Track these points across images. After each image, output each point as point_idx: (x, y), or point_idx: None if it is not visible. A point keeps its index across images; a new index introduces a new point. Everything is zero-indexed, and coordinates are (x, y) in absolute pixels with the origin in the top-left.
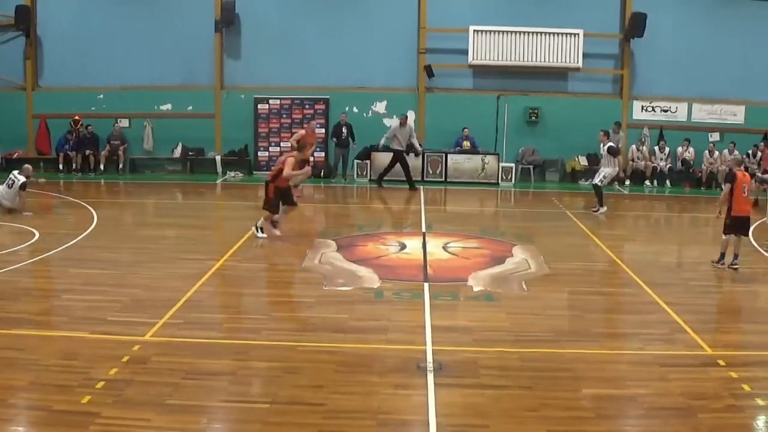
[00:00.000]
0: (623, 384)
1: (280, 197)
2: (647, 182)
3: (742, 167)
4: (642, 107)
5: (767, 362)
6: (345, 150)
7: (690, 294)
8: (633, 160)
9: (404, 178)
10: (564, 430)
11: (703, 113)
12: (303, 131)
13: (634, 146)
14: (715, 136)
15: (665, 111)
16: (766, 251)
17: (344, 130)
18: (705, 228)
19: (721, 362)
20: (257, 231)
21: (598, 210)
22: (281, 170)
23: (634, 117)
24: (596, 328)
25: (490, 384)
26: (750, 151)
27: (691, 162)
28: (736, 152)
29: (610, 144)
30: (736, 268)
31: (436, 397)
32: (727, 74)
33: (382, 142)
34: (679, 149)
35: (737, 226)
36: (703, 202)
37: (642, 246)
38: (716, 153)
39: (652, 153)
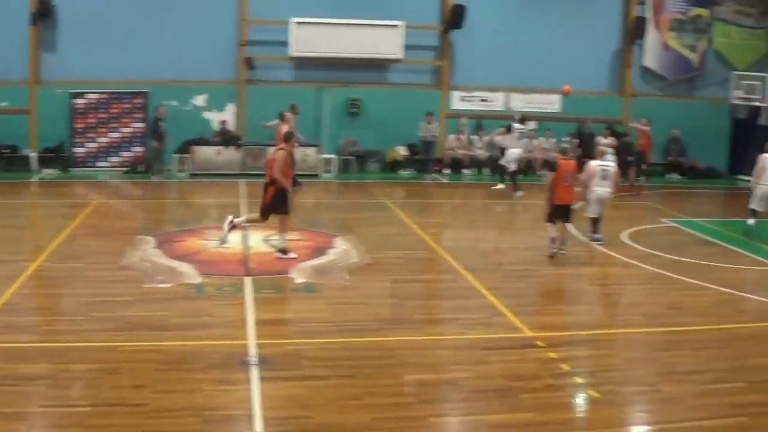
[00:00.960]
0: (444, 369)
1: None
2: (465, 170)
3: (569, 155)
4: (461, 97)
5: (584, 341)
6: (162, 144)
7: (508, 278)
8: (452, 149)
9: (227, 172)
10: (388, 417)
11: (520, 102)
12: (287, 120)
13: (452, 135)
14: (531, 125)
15: (483, 101)
16: (583, 236)
17: (162, 124)
18: (522, 214)
19: (540, 343)
20: (281, 254)
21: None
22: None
23: (453, 107)
24: (417, 314)
25: (313, 375)
26: (566, 139)
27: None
28: (553, 140)
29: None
30: (563, 253)
31: (260, 391)
32: (543, 64)
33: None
34: (497, 137)
35: (558, 213)
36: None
37: (460, 233)
38: (534, 141)
39: (470, 142)
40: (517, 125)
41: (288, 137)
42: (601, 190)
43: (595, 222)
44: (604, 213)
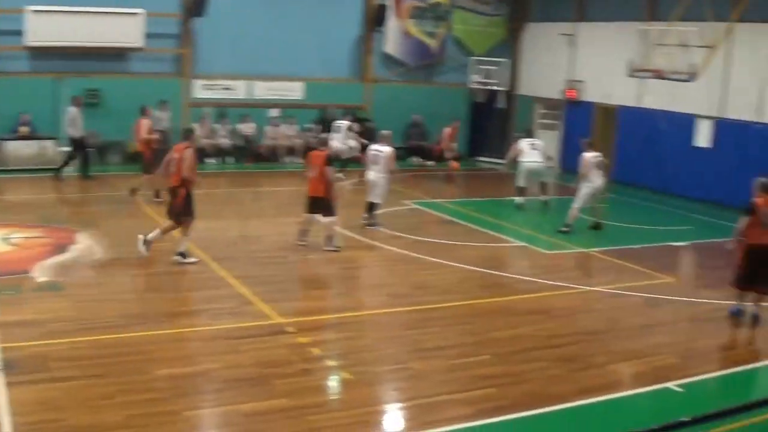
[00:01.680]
0: (196, 361)
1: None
2: (209, 159)
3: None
4: (203, 86)
5: (334, 325)
6: None
7: (256, 266)
8: None
9: None
10: (142, 413)
11: (263, 90)
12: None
13: (195, 124)
14: (275, 112)
15: (226, 89)
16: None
17: None
18: (266, 202)
19: (290, 329)
20: (181, 257)
21: None
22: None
23: (196, 96)
24: (166, 308)
25: (62, 376)
26: (310, 126)
27: (253, 138)
28: (296, 126)
29: None
30: (303, 245)
31: (7, 397)
32: (286, 52)
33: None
34: (240, 125)
35: (309, 205)
36: (265, 176)
37: (207, 222)
38: (278, 128)
39: (213, 130)
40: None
41: (190, 133)
42: (373, 174)
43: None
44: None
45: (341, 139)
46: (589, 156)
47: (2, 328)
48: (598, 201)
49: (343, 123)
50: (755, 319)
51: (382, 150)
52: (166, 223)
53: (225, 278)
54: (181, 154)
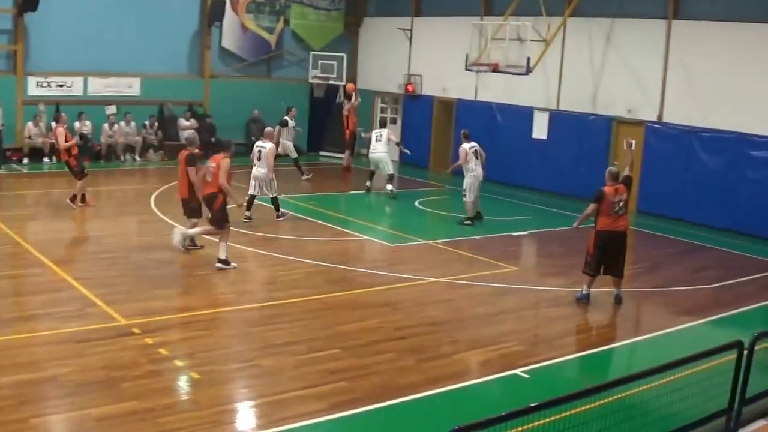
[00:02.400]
0: (41, 366)
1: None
2: (46, 159)
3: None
4: (37, 83)
5: (180, 324)
6: None
7: (98, 268)
8: (30, 137)
9: None
10: None
11: (99, 86)
12: None
13: (30, 123)
14: (111, 109)
15: (61, 86)
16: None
17: None
18: (106, 201)
19: (136, 330)
20: (223, 264)
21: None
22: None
23: (30, 93)
24: (6, 313)
25: None
26: (146, 122)
27: (90, 136)
28: (133, 124)
29: None
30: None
31: None
32: (123, 48)
33: None
34: (77, 123)
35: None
36: (104, 175)
37: (45, 224)
38: (115, 126)
39: (49, 129)
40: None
41: (227, 144)
42: (256, 170)
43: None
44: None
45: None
46: (467, 146)
47: None
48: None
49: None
50: (617, 300)
51: (265, 146)
52: (208, 228)
53: (66, 281)
54: (218, 163)
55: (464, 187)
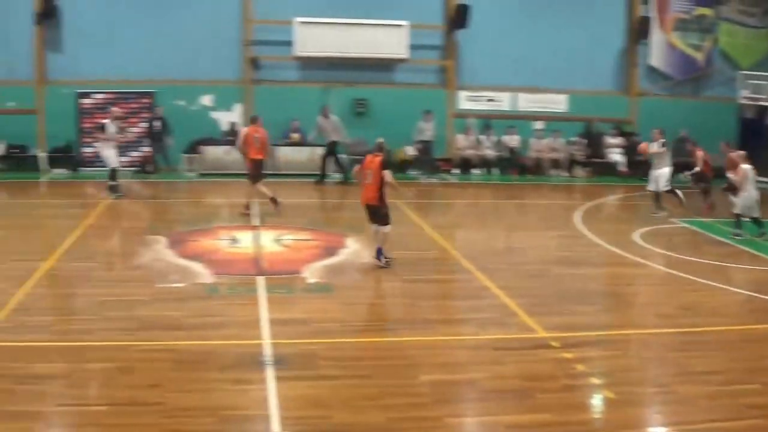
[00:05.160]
0: (459, 369)
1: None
2: (475, 170)
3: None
4: (467, 97)
5: (598, 342)
6: (159, 144)
7: (520, 278)
8: (460, 149)
9: (236, 172)
10: (403, 417)
11: (527, 102)
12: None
13: (461, 135)
14: (539, 125)
15: (490, 100)
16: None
17: (156, 124)
18: (532, 214)
19: (554, 343)
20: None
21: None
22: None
23: (460, 107)
24: (431, 315)
25: (329, 375)
26: (573, 138)
27: (518, 149)
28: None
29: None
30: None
31: (276, 391)
32: (549, 64)
33: (313, 136)
34: (505, 137)
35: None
36: (530, 188)
37: (472, 233)
38: (543, 141)
39: (478, 141)
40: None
41: (381, 146)
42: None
43: None
44: None
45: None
46: None
47: (273, 324)
48: None
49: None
50: None
51: None
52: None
53: (489, 288)
54: (375, 163)
55: None
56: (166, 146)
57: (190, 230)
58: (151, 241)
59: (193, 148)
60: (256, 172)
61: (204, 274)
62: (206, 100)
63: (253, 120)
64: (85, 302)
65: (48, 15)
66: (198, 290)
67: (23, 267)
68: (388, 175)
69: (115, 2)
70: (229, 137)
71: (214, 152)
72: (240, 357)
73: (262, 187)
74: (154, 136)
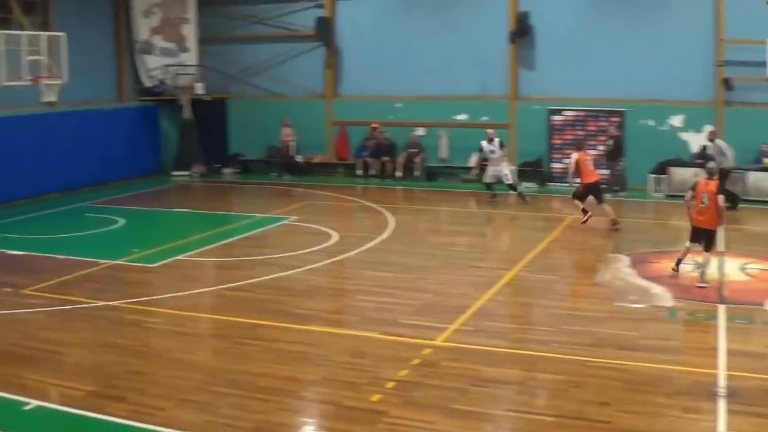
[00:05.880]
0: None
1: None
2: None
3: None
4: None
5: None
6: (613, 163)
7: None
8: None
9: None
10: None
11: None
12: None
13: None
14: None
15: None
16: None
17: (610, 143)
18: None
19: None
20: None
21: None
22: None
23: None
24: None
25: None
26: None
27: None
28: None
29: None
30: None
31: (726, 424)
32: None
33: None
34: None
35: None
36: None
37: None
38: None
39: None
40: None
41: (715, 170)
42: None
43: None
44: None
45: None
46: None
47: (731, 355)
48: None
49: None
50: None
51: None
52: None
53: None
54: (710, 186)
55: None
56: (619, 167)
57: (653, 251)
58: (613, 259)
59: (660, 168)
60: (588, 193)
61: (664, 296)
62: (676, 120)
63: (580, 146)
64: (543, 314)
65: (522, 34)
66: (656, 312)
67: (487, 274)
68: (721, 200)
69: (585, 21)
70: (698, 160)
71: (682, 173)
72: (692, 385)
73: (581, 204)
74: (609, 156)
